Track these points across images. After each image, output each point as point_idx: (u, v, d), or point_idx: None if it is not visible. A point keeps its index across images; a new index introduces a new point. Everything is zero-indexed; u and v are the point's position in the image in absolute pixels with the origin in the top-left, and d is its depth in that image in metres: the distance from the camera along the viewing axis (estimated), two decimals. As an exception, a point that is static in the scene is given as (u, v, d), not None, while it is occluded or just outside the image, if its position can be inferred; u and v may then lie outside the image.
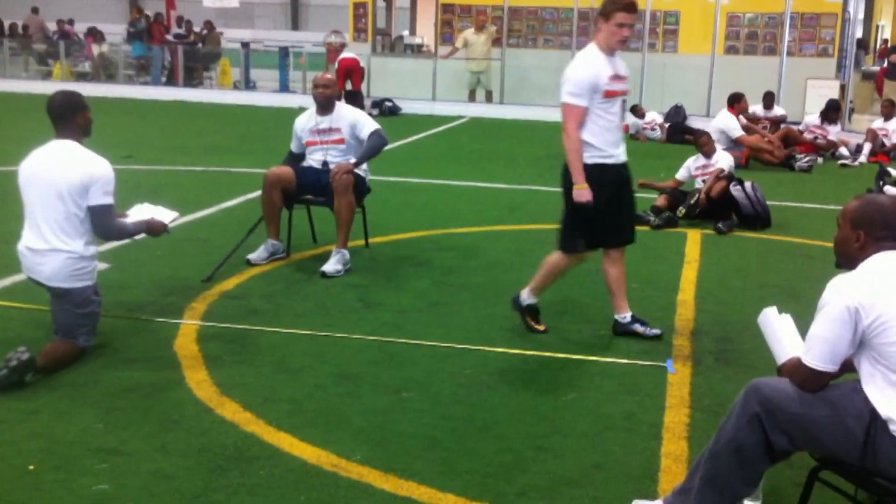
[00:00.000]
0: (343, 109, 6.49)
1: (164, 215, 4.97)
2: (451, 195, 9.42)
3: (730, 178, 8.23)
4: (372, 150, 6.34)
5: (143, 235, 4.81)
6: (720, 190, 8.06)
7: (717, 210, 8.02)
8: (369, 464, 3.49)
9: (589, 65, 4.74)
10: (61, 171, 4.37)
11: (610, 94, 4.75)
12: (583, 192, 4.70)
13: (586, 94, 4.70)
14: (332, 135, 6.42)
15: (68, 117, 4.49)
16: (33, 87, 20.41)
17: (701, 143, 8.63)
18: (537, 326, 5.06)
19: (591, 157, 4.75)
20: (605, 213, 4.77)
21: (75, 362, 4.37)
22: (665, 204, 8.10)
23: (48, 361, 4.23)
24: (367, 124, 6.41)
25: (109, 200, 4.44)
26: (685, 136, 13.19)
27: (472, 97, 18.29)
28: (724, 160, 8.42)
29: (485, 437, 3.76)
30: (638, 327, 5.01)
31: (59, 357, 4.31)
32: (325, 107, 6.42)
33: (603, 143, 4.77)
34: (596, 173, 4.74)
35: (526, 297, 5.08)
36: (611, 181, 4.81)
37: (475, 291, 5.84)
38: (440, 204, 8.90)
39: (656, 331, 5.01)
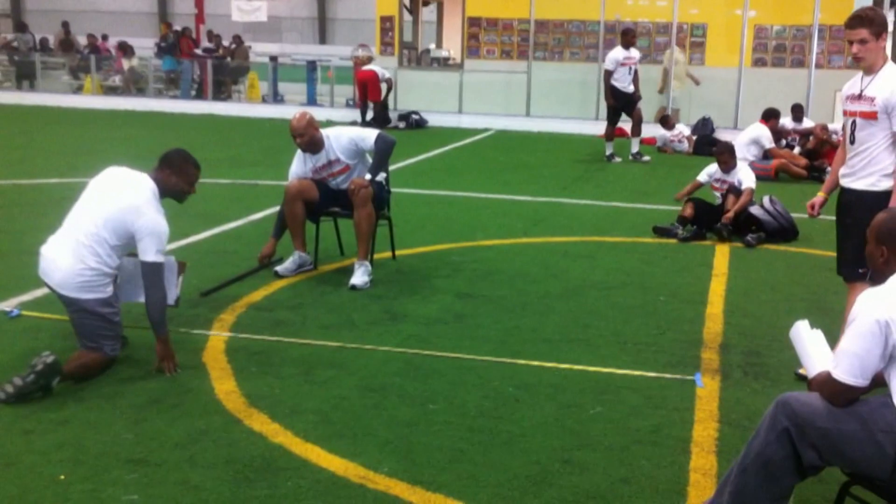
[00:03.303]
0: (332, 139, 6.30)
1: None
2: (477, 207, 9.42)
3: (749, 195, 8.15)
4: (381, 157, 6.27)
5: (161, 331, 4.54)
6: (742, 207, 8.02)
7: (744, 225, 7.99)
8: (396, 476, 3.49)
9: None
10: (121, 198, 4.45)
11: (844, 114, 4.65)
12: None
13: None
14: (333, 167, 6.35)
15: (170, 167, 4.64)
16: (64, 100, 20.71)
17: (722, 158, 8.52)
18: None
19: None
20: (838, 235, 4.73)
21: (103, 371, 4.42)
22: (691, 213, 8.03)
23: (75, 369, 4.28)
24: (366, 136, 6.28)
25: (161, 259, 4.49)
26: (712, 149, 13.11)
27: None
28: (747, 178, 8.27)
29: (511, 449, 3.75)
30: None
31: (86, 365, 4.35)
32: (313, 148, 6.30)
33: (843, 161, 4.68)
34: (839, 193, 4.73)
35: None
36: (838, 202, 4.72)
37: (500, 304, 5.84)
38: (465, 216, 8.91)
39: None
